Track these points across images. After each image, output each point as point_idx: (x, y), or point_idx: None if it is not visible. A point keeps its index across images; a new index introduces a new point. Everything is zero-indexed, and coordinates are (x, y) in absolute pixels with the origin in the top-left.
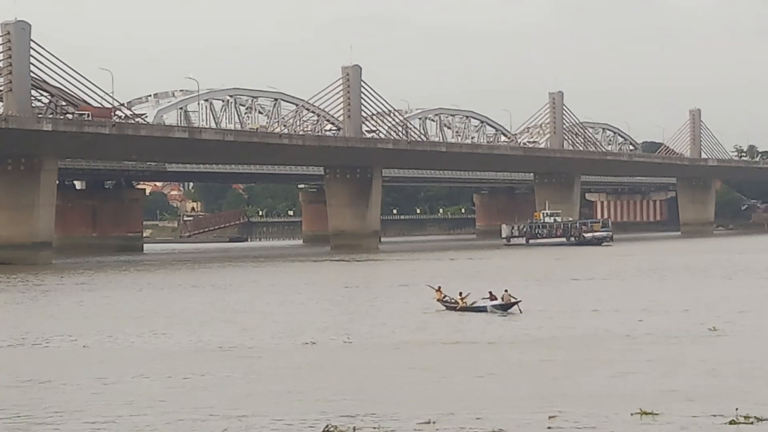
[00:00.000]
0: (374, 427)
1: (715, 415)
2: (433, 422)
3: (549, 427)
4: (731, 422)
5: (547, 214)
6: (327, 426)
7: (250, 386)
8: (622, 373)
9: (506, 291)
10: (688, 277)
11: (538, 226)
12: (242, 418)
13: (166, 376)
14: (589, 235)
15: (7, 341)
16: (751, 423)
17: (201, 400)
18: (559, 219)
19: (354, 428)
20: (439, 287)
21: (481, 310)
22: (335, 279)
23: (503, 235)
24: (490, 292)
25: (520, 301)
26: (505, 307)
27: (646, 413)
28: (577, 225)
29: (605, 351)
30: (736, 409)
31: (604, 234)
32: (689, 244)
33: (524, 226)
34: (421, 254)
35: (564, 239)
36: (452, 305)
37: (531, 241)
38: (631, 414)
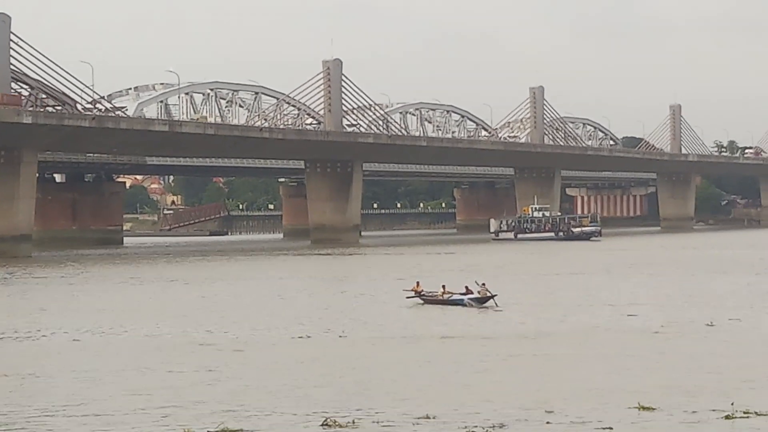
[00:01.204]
0: (373, 421)
1: (714, 410)
2: (433, 417)
3: (548, 422)
4: (727, 417)
5: (535, 208)
6: (326, 419)
7: (247, 380)
8: (619, 367)
9: (483, 285)
10: (680, 272)
11: (527, 220)
12: (239, 411)
13: (158, 370)
14: (578, 230)
15: None
16: (748, 417)
17: (195, 394)
18: (547, 214)
19: (353, 421)
20: (417, 282)
21: (459, 303)
22: (320, 273)
23: (492, 230)
24: (466, 287)
25: (496, 295)
26: (482, 301)
27: (644, 408)
28: (566, 220)
29: (600, 346)
30: (732, 403)
31: (592, 229)
32: (675, 239)
33: (512, 221)
34: (405, 248)
35: (552, 234)
36: (431, 299)
37: (519, 236)
38: (629, 408)
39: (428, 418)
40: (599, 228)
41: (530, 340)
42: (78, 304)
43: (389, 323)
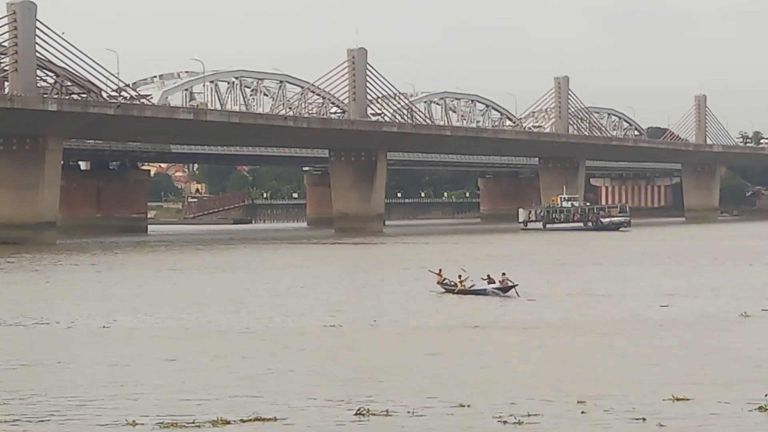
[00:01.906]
0: (407, 410)
1: (749, 401)
2: (467, 405)
3: (582, 412)
4: (761, 408)
5: (564, 198)
6: (359, 408)
7: (279, 368)
8: (652, 358)
9: (504, 274)
10: (711, 262)
11: (556, 210)
12: (272, 400)
13: (188, 359)
14: (607, 220)
15: (22, 320)
16: None
17: (229, 381)
18: (576, 204)
19: (387, 411)
20: (440, 270)
21: (481, 293)
22: (345, 261)
23: (520, 219)
24: (488, 275)
25: (517, 284)
26: (504, 290)
27: (678, 399)
28: (595, 210)
29: (632, 336)
30: (766, 395)
31: (621, 219)
32: (702, 229)
33: (541, 211)
34: (430, 238)
35: (581, 224)
36: (451, 288)
37: (548, 226)
38: (663, 399)
39: (462, 406)
40: (628, 218)
41: (562, 330)
42: (105, 291)
43: (418, 313)
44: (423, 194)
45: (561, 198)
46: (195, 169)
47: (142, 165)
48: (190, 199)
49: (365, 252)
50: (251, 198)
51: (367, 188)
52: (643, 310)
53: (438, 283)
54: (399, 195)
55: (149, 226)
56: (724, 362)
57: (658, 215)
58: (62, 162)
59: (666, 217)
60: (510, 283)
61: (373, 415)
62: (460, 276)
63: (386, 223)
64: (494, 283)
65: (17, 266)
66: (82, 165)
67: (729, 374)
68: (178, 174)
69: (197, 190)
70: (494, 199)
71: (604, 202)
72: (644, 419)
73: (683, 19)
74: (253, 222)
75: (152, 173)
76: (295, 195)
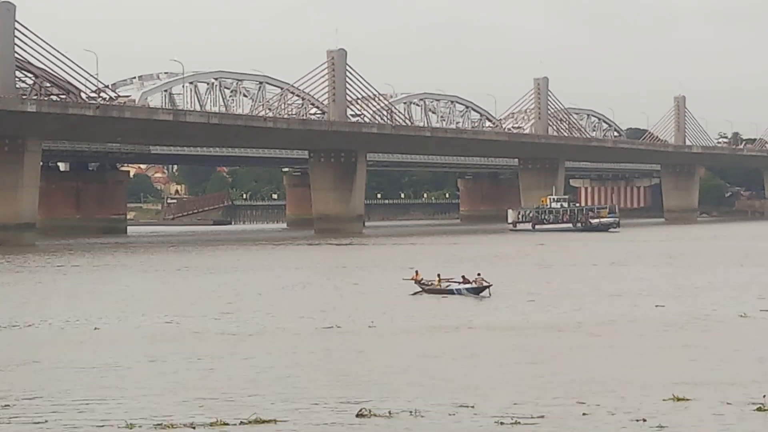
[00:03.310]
0: (409, 411)
1: (749, 402)
2: (471, 406)
3: (584, 413)
4: (759, 408)
5: (554, 199)
6: (361, 410)
7: (277, 370)
8: (651, 359)
9: (479, 275)
10: (704, 263)
11: (545, 211)
12: (271, 402)
13: (185, 360)
14: (596, 221)
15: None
16: None
17: (225, 384)
18: (566, 205)
19: (389, 412)
20: (416, 271)
21: (453, 292)
22: (331, 262)
23: (509, 220)
24: (463, 276)
25: (491, 285)
26: (477, 291)
27: (678, 399)
28: (584, 211)
29: (630, 337)
30: (764, 395)
31: (611, 220)
32: (689, 230)
33: (530, 212)
34: (415, 238)
35: (571, 225)
36: (429, 288)
37: (537, 227)
38: (664, 400)
39: (464, 407)
40: (617, 219)
41: (560, 331)
42: (93, 292)
43: (412, 314)
44: (403, 195)
45: (550, 199)
46: (174, 170)
47: (122, 166)
48: (169, 201)
49: (349, 253)
50: (231, 199)
51: (346, 189)
52: (639, 310)
53: (415, 282)
54: (379, 196)
55: (129, 228)
56: (724, 363)
57: (638, 216)
58: (41, 163)
59: (645, 218)
60: (485, 284)
61: (375, 416)
62: (439, 275)
63: (366, 224)
64: (469, 283)
65: (0, 268)
66: (61, 166)
67: (729, 375)
68: (157, 175)
69: (177, 191)
70: (474, 200)
71: (583, 203)
72: (645, 420)
73: (662, 20)
74: (233, 223)
75: (131, 174)
76: (274, 196)
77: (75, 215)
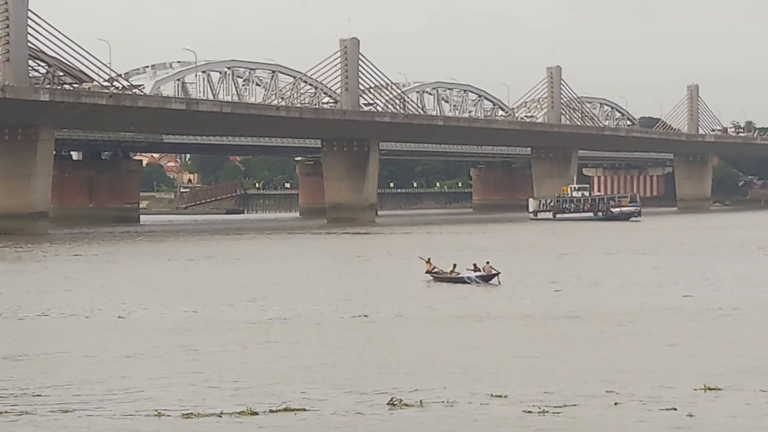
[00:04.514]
0: (441, 401)
1: None
2: (504, 396)
3: (615, 403)
4: None
5: (574, 188)
6: (392, 398)
7: (306, 358)
8: (681, 348)
9: (488, 263)
10: (729, 252)
11: (566, 200)
12: (301, 391)
13: (212, 349)
14: (617, 210)
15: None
16: None
17: (254, 373)
18: (586, 194)
19: (420, 401)
20: (429, 259)
21: (463, 281)
22: (347, 251)
23: (530, 209)
24: (474, 264)
25: (500, 273)
26: (486, 279)
27: (710, 389)
28: (605, 200)
29: (659, 326)
30: None
31: (632, 209)
32: (708, 220)
33: (551, 201)
34: (431, 227)
35: (591, 214)
36: (441, 276)
37: (558, 216)
38: (695, 389)
39: (497, 397)
40: (639, 208)
41: (588, 320)
42: (114, 281)
43: (438, 303)
44: (415, 184)
45: (571, 188)
46: (187, 159)
47: (134, 155)
48: (182, 190)
49: (364, 242)
50: (243, 188)
51: (359, 178)
52: (666, 300)
53: (427, 272)
54: (391, 185)
55: (141, 217)
56: (754, 352)
57: (651, 205)
58: (54, 152)
59: (658, 207)
60: (494, 271)
61: (407, 406)
62: (455, 265)
63: (378, 213)
64: (479, 271)
65: (16, 257)
66: (74, 155)
67: (759, 364)
68: (170, 164)
69: (189, 180)
70: (487, 189)
71: (596, 192)
72: (675, 409)
73: (675, 9)
74: (246, 212)
75: (144, 163)
76: (287, 185)
77: (88, 204)
